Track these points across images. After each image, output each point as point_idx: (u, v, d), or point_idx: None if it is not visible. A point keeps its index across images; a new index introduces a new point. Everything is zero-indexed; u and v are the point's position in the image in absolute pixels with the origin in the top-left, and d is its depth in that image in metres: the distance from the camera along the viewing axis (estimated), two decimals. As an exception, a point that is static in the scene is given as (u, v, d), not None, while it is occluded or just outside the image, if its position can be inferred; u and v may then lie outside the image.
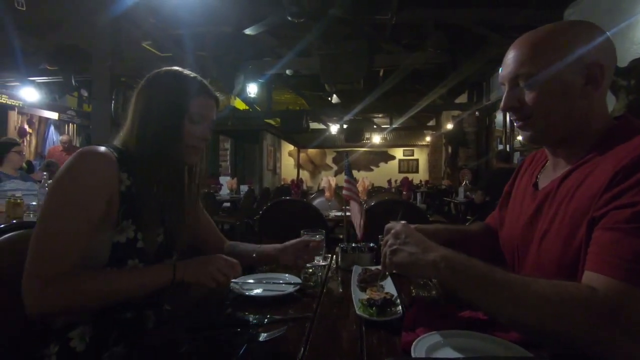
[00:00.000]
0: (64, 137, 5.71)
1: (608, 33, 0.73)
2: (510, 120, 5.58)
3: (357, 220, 1.33)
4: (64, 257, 0.72)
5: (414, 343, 0.60)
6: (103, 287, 0.74)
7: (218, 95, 0.91)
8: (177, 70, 0.89)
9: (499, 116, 6.61)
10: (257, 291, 0.94)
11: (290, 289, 0.93)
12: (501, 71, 0.77)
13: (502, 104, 0.76)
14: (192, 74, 0.89)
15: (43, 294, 0.70)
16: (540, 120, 0.72)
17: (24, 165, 4.00)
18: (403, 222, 0.94)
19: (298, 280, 0.98)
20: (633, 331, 0.52)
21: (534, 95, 0.71)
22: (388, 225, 0.85)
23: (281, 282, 1.00)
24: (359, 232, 1.33)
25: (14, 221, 0.94)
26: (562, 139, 0.74)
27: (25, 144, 6.15)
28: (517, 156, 5.46)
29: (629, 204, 0.57)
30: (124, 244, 0.79)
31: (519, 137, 5.19)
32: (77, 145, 6.70)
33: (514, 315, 0.58)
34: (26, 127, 6.23)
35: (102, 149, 0.80)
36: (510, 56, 0.74)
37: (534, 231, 0.75)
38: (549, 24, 0.73)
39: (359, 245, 1.17)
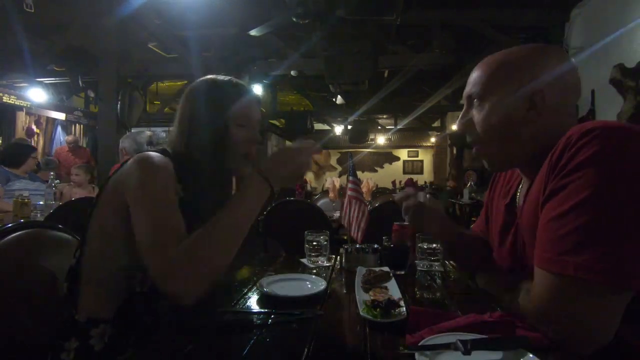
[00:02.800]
0: (70, 138, 5.77)
1: (615, 34, 0.74)
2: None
3: (356, 222, 1.31)
4: (182, 231, 0.73)
5: (418, 345, 0.60)
6: (221, 230, 0.72)
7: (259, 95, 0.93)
8: (216, 76, 0.91)
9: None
10: (282, 291, 0.89)
11: (319, 288, 0.90)
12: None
13: (457, 123, 0.81)
14: (232, 79, 0.91)
15: (179, 272, 0.68)
16: (489, 146, 0.75)
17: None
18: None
19: (323, 281, 0.95)
20: (568, 315, 0.58)
21: (481, 117, 0.74)
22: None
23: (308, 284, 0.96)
24: (355, 234, 1.31)
25: (22, 220, 0.95)
26: (519, 163, 0.76)
27: (32, 144, 6.22)
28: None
29: (545, 201, 0.63)
30: None
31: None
32: (84, 145, 6.76)
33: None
34: (34, 127, 6.29)
35: (162, 157, 0.80)
36: (471, 76, 0.78)
37: (517, 248, 0.78)
38: (510, 47, 0.77)
39: (363, 246, 1.17)
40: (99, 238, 0.80)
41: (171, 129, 0.92)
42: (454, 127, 8.23)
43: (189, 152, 0.86)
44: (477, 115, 0.75)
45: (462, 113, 0.79)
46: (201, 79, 0.91)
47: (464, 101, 0.79)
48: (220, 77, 0.91)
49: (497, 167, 0.82)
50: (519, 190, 0.84)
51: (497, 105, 0.72)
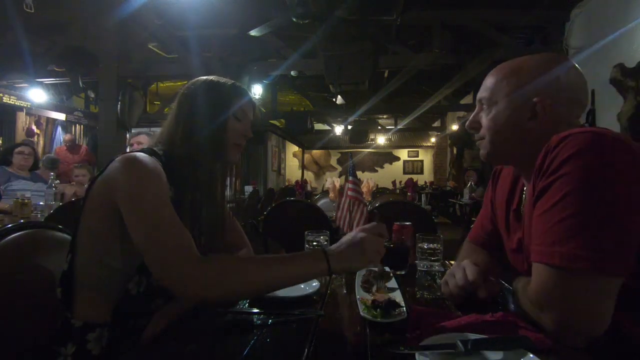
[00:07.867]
0: (67, 136, 5.78)
1: (615, 34, 0.75)
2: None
3: (352, 220, 1.30)
4: (190, 240, 0.72)
5: (418, 345, 0.60)
6: (266, 275, 0.72)
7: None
8: (215, 77, 0.97)
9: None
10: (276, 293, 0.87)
11: (310, 290, 0.90)
12: None
13: (467, 122, 0.88)
14: (231, 80, 0.97)
15: (203, 276, 0.68)
16: (490, 143, 0.82)
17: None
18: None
19: (316, 280, 0.94)
20: (562, 303, 0.60)
21: (486, 120, 0.82)
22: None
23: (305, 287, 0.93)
24: (347, 230, 1.31)
25: (22, 221, 0.95)
26: (515, 162, 0.84)
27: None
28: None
29: (535, 201, 0.68)
30: None
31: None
32: (83, 144, 6.76)
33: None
34: (34, 128, 6.29)
35: (150, 158, 0.79)
36: (485, 80, 0.85)
37: (525, 251, 0.79)
38: (524, 56, 0.82)
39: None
40: (90, 242, 0.78)
41: (162, 129, 0.94)
42: (455, 127, 8.23)
43: (186, 150, 0.86)
44: (484, 117, 0.83)
45: (473, 113, 0.87)
46: (200, 78, 0.95)
47: (476, 103, 0.86)
48: (221, 78, 0.96)
49: (494, 162, 0.89)
50: (524, 194, 0.86)
51: (502, 112, 0.79)
